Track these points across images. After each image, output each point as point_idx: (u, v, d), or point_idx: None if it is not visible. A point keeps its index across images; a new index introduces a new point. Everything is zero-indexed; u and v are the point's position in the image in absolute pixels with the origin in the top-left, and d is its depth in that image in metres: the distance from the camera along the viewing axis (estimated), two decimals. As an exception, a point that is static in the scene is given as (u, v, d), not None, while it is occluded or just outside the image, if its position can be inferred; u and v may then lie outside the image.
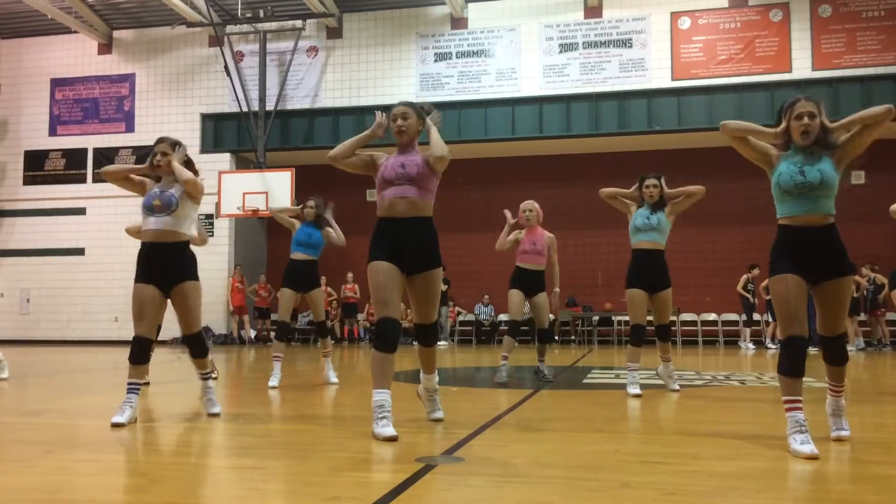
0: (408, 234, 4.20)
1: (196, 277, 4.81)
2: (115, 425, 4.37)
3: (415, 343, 4.68)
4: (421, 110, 4.45)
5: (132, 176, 4.86)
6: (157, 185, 4.78)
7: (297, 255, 7.11)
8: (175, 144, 4.82)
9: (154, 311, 4.68)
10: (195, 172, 4.81)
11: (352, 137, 4.44)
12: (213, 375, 6.87)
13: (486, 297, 18.01)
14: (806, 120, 3.71)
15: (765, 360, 11.43)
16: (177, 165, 4.72)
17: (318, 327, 7.40)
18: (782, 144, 3.82)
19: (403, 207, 4.21)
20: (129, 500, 2.87)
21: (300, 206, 7.35)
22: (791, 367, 3.56)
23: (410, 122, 4.37)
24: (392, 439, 3.83)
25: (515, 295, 7.27)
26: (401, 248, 4.18)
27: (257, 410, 5.63)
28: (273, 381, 6.83)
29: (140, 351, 4.59)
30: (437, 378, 4.61)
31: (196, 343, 4.87)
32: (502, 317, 17.56)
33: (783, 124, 3.80)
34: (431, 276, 4.27)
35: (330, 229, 7.20)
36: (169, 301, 4.78)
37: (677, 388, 6.37)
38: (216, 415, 4.82)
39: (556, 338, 17.71)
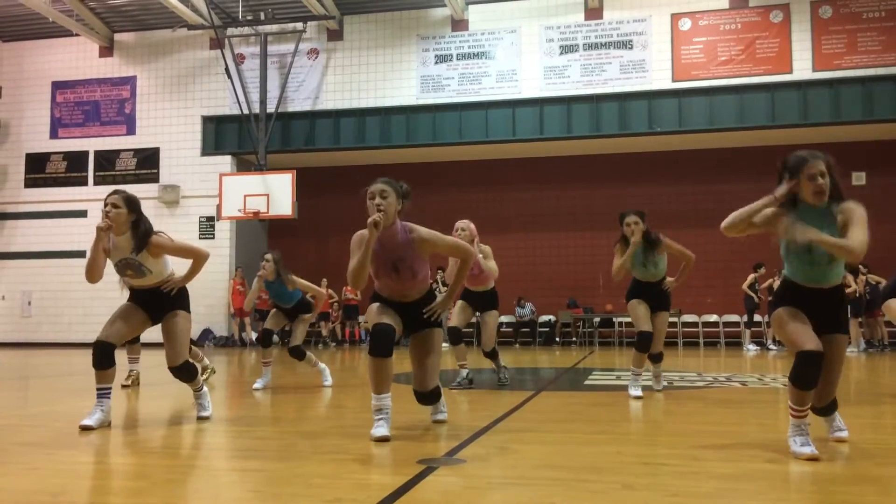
0: (408, 309, 4.27)
1: (187, 309, 4.81)
2: (84, 428, 4.34)
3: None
4: (400, 189, 4.20)
5: (102, 250, 4.57)
6: (112, 244, 4.56)
7: (281, 306, 7.28)
8: (129, 200, 4.61)
9: (129, 324, 4.67)
10: (149, 231, 4.61)
11: (357, 256, 4.05)
12: (207, 371, 7.00)
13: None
14: (819, 180, 3.55)
15: (766, 362, 11.42)
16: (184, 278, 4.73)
17: (291, 352, 7.17)
18: (787, 204, 3.65)
19: (400, 296, 4.26)
20: (130, 502, 2.87)
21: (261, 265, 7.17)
22: (803, 381, 3.51)
23: (390, 200, 4.07)
24: (383, 440, 3.88)
25: (460, 305, 7.16)
26: (402, 315, 4.26)
27: (258, 413, 5.63)
28: (258, 384, 6.88)
29: (102, 356, 4.50)
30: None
31: (181, 374, 4.76)
32: (503, 318, 17.55)
33: (787, 185, 3.62)
34: (431, 334, 4.31)
35: (302, 286, 7.16)
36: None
37: (660, 387, 6.54)
38: (205, 418, 4.81)
39: (558, 339, 17.72)
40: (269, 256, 7.10)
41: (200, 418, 4.80)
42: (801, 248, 3.61)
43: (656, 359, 6.47)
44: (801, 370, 3.50)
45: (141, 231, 4.60)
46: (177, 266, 4.88)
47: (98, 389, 4.52)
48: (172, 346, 4.68)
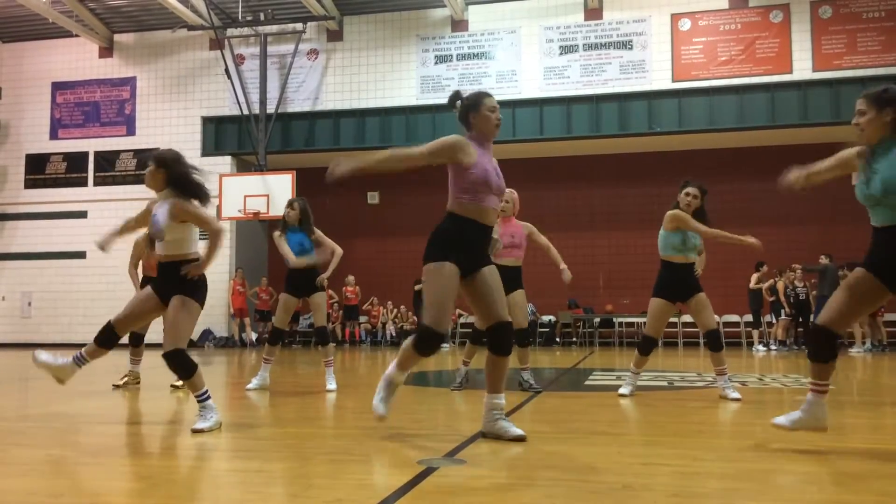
0: (484, 239, 4.12)
1: (190, 294, 4.50)
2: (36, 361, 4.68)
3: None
4: None
5: (135, 221, 4.84)
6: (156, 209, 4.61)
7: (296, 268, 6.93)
8: (160, 160, 4.56)
9: (142, 310, 4.65)
10: (199, 192, 4.62)
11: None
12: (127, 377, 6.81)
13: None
14: (855, 119, 3.43)
15: (769, 362, 11.42)
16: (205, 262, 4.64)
17: (317, 333, 7.11)
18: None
19: (492, 218, 4.10)
20: (131, 503, 2.87)
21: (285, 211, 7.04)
22: (811, 352, 3.59)
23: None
24: (378, 414, 4.05)
25: None
26: (472, 252, 4.04)
27: (258, 414, 5.63)
28: (252, 384, 6.84)
29: (106, 336, 4.64)
30: (503, 398, 4.11)
31: (169, 362, 4.42)
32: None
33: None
34: (492, 270, 4.10)
35: (323, 246, 7.06)
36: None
37: (737, 396, 5.96)
38: (199, 430, 4.30)
39: (558, 340, 17.72)
40: (295, 204, 6.95)
41: (195, 430, 4.29)
42: (861, 182, 3.42)
43: (713, 341, 5.97)
44: (808, 340, 3.60)
45: (177, 189, 4.56)
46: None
47: (77, 354, 4.76)
48: (167, 330, 4.50)
